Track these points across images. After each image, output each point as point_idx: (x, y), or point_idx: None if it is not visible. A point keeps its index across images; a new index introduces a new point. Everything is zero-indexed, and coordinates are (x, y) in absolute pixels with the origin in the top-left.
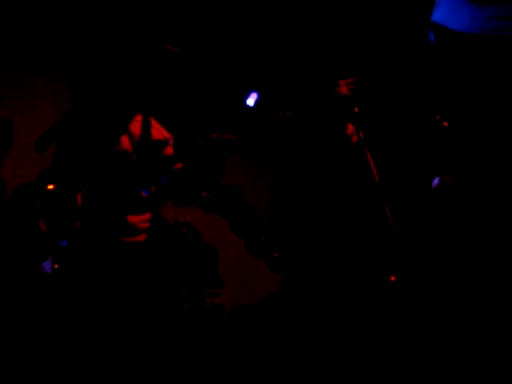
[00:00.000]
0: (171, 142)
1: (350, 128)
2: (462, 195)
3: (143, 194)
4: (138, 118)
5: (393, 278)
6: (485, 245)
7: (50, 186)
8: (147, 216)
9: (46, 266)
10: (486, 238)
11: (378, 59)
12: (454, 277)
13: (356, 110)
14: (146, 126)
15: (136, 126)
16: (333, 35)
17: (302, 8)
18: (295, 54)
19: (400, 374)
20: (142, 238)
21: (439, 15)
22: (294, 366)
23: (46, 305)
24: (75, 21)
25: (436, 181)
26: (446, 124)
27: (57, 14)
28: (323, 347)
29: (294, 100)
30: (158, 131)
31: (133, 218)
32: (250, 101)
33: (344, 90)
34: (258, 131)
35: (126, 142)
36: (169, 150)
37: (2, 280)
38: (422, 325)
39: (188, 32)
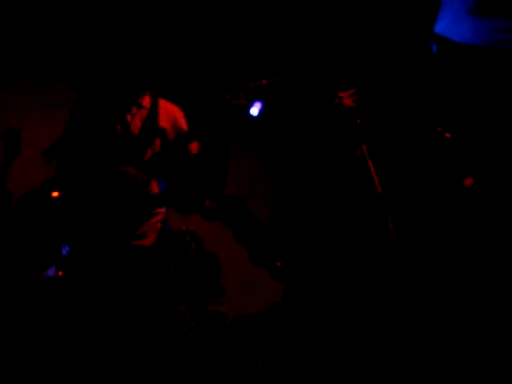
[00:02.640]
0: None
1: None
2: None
3: (155, 189)
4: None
5: (394, 285)
6: (486, 249)
7: (55, 194)
8: (159, 217)
9: (51, 272)
10: (486, 244)
11: (381, 70)
12: (455, 284)
13: (358, 121)
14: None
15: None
16: (336, 46)
17: (304, 19)
18: (298, 66)
19: (401, 378)
20: (148, 242)
21: (442, 27)
22: (297, 373)
23: (50, 311)
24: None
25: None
26: (448, 135)
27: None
28: (326, 355)
29: (297, 109)
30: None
31: (146, 220)
32: (254, 110)
33: (348, 101)
34: (261, 140)
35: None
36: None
37: (6, 285)
38: (423, 331)
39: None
